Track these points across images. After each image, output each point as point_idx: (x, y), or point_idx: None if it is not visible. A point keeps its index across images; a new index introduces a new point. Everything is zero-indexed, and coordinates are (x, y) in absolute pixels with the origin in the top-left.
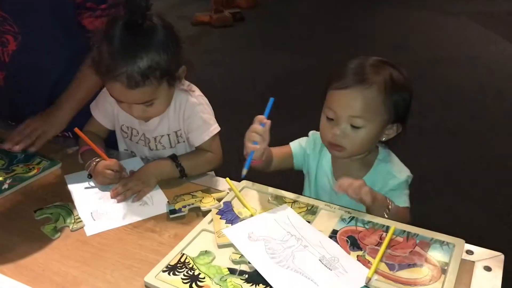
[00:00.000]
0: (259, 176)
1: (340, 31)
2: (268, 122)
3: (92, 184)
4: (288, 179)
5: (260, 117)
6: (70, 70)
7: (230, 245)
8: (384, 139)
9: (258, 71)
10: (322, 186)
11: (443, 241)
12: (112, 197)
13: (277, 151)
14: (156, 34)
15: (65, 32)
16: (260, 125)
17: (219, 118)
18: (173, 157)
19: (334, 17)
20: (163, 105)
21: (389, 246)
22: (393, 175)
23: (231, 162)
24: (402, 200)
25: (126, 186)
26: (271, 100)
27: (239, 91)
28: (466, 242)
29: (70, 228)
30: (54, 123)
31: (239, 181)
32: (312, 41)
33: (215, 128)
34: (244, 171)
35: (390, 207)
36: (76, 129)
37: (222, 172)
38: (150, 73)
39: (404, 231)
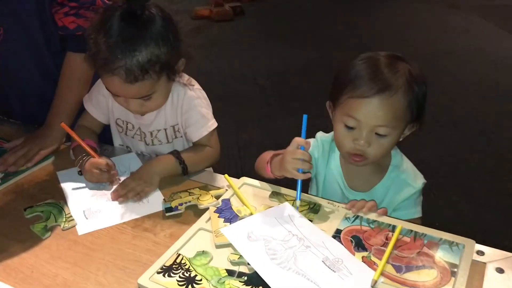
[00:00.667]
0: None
1: (341, 25)
2: (309, 143)
3: (84, 181)
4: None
5: (299, 140)
6: (52, 67)
7: (229, 245)
8: (400, 139)
9: (258, 65)
10: (332, 191)
11: (452, 242)
12: (113, 200)
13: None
14: (155, 26)
15: (44, 27)
16: (300, 148)
17: (218, 112)
18: (175, 154)
19: (335, 11)
20: (162, 99)
21: (395, 246)
22: (408, 183)
23: (230, 157)
24: (415, 211)
25: (127, 187)
26: (305, 117)
27: (239, 85)
28: (472, 239)
29: (62, 227)
30: (47, 143)
31: (239, 177)
32: (313, 35)
33: (213, 123)
34: (298, 203)
35: None
36: (63, 124)
37: (220, 168)
38: (149, 67)
39: (411, 230)
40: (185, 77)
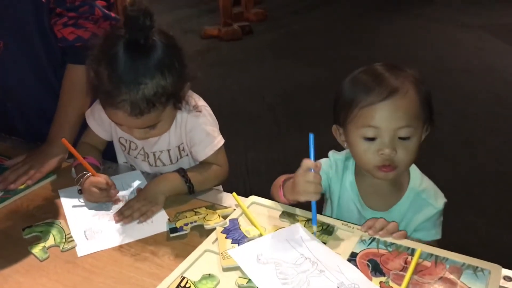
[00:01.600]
0: (270, 191)
1: (350, 43)
2: (319, 165)
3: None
4: None
5: (309, 163)
6: (54, 80)
7: (237, 268)
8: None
9: (267, 84)
10: (348, 211)
11: (477, 267)
12: (116, 222)
13: None
14: (160, 55)
15: (44, 39)
16: (310, 171)
17: (227, 131)
18: (181, 172)
19: (344, 30)
20: (167, 126)
21: (415, 271)
22: (429, 203)
23: (238, 176)
24: (435, 232)
25: (132, 208)
26: (311, 137)
27: (247, 104)
28: (494, 262)
29: (61, 248)
30: (49, 160)
31: (247, 197)
32: (321, 53)
33: (219, 141)
34: (314, 228)
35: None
36: (63, 140)
37: (228, 187)
38: (156, 100)
39: (432, 254)
40: (192, 101)
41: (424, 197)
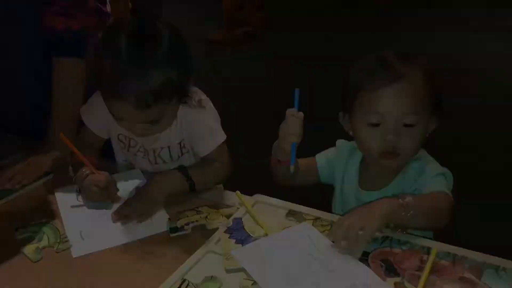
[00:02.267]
0: (275, 189)
1: (353, 48)
2: (301, 114)
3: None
4: (308, 193)
5: (291, 110)
6: (43, 74)
7: (241, 269)
8: (426, 135)
9: (270, 88)
10: (348, 200)
11: (499, 266)
12: (114, 221)
13: (301, 162)
14: (167, 45)
15: (37, 32)
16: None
17: (230, 135)
18: (182, 169)
19: (346, 34)
20: (169, 122)
21: (432, 271)
22: (424, 170)
23: (242, 178)
24: (437, 186)
25: (130, 207)
26: (297, 91)
27: (251, 108)
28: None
29: (55, 248)
30: (46, 160)
31: (251, 195)
32: (324, 57)
33: (222, 136)
34: (292, 168)
35: (402, 201)
36: (61, 134)
37: (232, 187)
38: (163, 92)
39: (449, 253)
40: (196, 96)
41: (420, 167)
